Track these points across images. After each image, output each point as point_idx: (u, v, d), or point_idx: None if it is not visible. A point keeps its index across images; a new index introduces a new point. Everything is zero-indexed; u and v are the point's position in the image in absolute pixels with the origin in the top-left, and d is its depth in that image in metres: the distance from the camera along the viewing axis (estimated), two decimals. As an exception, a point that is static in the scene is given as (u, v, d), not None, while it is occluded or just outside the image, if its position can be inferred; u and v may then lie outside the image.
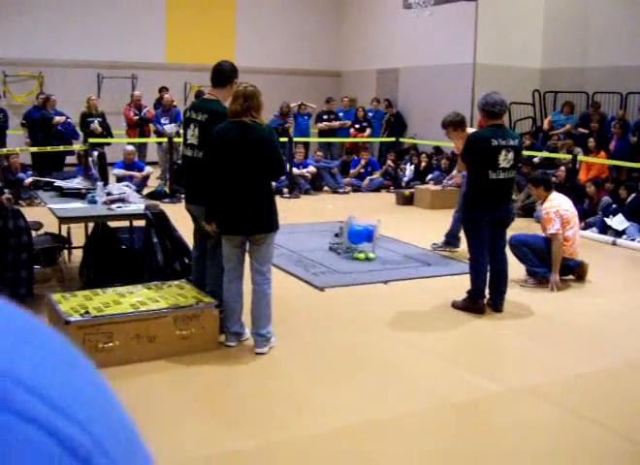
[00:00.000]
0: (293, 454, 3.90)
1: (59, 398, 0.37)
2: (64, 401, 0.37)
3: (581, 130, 13.59)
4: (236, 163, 5.07)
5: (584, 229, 9.98)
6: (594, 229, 10.04)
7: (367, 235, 8.29)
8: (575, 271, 7.49)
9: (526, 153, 10.77)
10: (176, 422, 4.21)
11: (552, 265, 7.12)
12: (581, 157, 11.91)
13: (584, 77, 14.86)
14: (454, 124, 8.02)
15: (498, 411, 4.60)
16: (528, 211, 11.07)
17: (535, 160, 12.81)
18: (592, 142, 12.22)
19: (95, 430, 0.38)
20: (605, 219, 9.98)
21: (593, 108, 13.65)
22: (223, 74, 5.56)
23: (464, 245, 8.94)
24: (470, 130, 8.61)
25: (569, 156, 11.87)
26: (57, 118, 13.31)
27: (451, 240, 8.86)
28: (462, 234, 8.88)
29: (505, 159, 6.20)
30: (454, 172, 10.06)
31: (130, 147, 12.99)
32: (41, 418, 0.36)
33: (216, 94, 5.58)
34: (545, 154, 12.94)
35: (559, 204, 7.29)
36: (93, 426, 0.38)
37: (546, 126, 14.40)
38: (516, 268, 7.08)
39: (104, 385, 0.43)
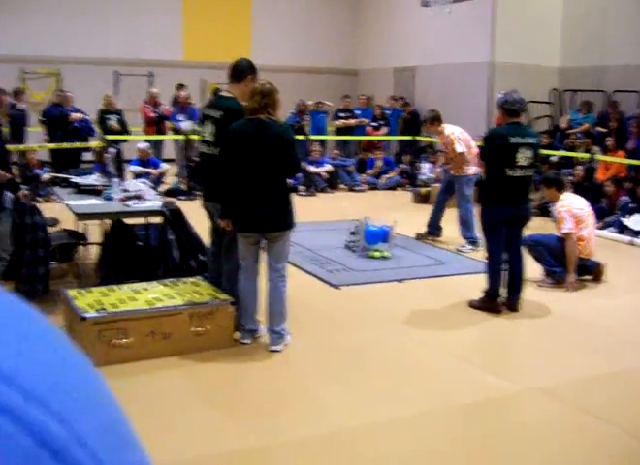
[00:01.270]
0: (304, 453, 3.89)
1: (36, 388, 0.36)
2: (41, 391, 0.36)
3: (599, 129, 13.48)
4: (252, 160, 5.06)
5: (601, 228, 9.91)
6: (612, 228, 9.97)
7: (382, 236, 8.27)
8: (592, 272, 7.44)
9: (543, 152, 10.70)
10: (187, 419, 4.21)
11: (567, 265, 7.07)
12: (599, 156, 11.83)
13: (602, 75, 14.75)
14: (430, 119, 9.20)
15: (514, 410, 4.57)
16: (545, 210, 11.00)
17: (553, 159, 12.74)
18: (610, 141, 12.12)
19: (74, 421, 0.36)
20: (622, 219, 9.90)
21: (612, 107, 13.54)
22: (239, 70, 5.55)
23: (447, 232, 9.30)
24: (444, 126, 9.10)
25: (587, 155, 11.80)
26: (74, 115, 13.35)
27: (433, 230, 9.41)
28: (442, 223, 9.36)
29: (523, 156, 6.16)
30: (437, 169, 10.33)
31: (143, 145, 13.00)
32: (14, 407, 0.34)
33: (233, 91, 5.58)
34: (563, 153, 12.86)
35: (570, 204, 7.25)
36: (72, 417, 0.36)
37: (564, 125, 14.30)
38: (533, 268, 7.04)
39: (91, 374, 0.42)
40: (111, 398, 0.42)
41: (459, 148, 8.87)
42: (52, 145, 12.85)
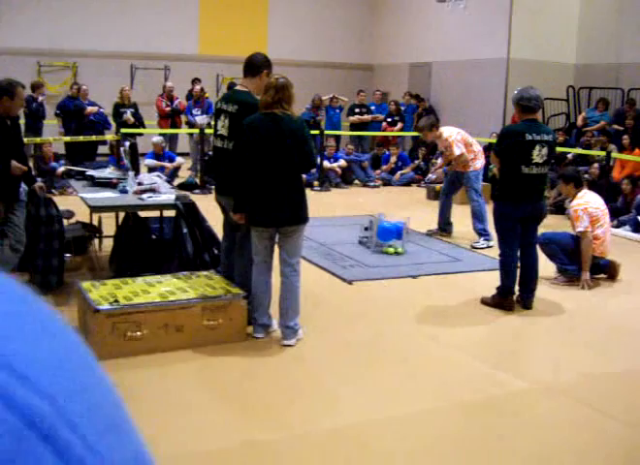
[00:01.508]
0: (316, 447, 3.90)
1: (25, 367, 0.36)
2: (30, 371, 0.36)
3: (615, 127, 13.42)
4: (266, 154, 5.06)
5: (616, 227, 9.86)
6: (627, 227, 9.91)
7: (396, 232, 8.26)
8: (606, 270, 7.40)
9: (559, 150, 10.65)
10: (199, 412, 4.23)
11: (582, 264, 7.04)
12: (615, 154, 11.76)
13: (619, 73, 14.67)
14: (429, 126, 9.09)
15: (525, 408, 4.55)
16: (560, 208, 10.95)
17: (569, 157, 12.68)
18: (626, 139, 12.06)
19: (63, 402, 0.36)
20: (639, 217, 9.84)
21: (628, 105, 13.47)
22: (254, 65, 5.55)
23: (459, 228, 9.33)
24: (441, 130, 9.11)
25: (603, 153, 11.74)
26: (90, 108, 13.41)
27: (444, 227, 9.45)
28: (454, 220, 9.43)
29: (539, 154, 6.13)
30: (438, 170, 10.39)
31: (157, 138, 13.03)
32: (1, 388, 0.34)
33: (247, 85, 5.58)
34: (578, 151, 12.79)
35: (587, 202, 7.19)
36: (61, 398, 0.36)
37: (580, 122, 14.24)
38: (546, 266, 7.01)
39: (84, 356, 0.41)
40: (104, 381, 0.41)
41: (457, 151, 8.94)
42: (68, 138, 12.91)
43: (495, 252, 6.71)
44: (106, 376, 0.42)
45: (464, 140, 9.08)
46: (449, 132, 9.13)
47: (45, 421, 0.35)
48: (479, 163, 9.16)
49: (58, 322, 0.41)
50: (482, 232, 8.90)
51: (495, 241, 8.52)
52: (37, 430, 0.34)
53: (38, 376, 0.36)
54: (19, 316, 0.39)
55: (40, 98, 13.57)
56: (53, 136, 13.41)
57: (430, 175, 9.51)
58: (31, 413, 0.35)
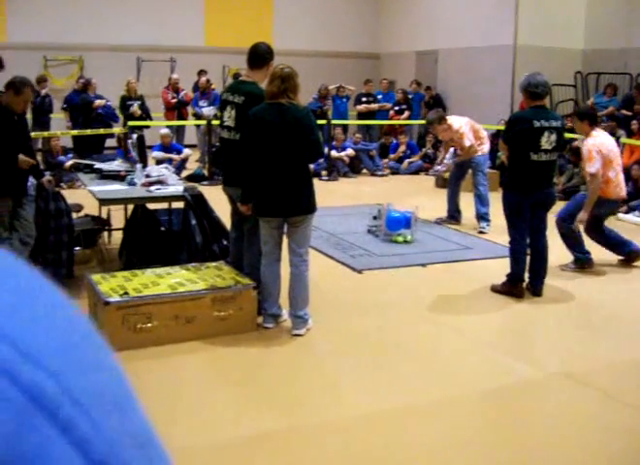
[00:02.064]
0: (325, 437, 3.90)
1: (29, 343, 0.35)
2: (34, 346, 0.36)
3: (624, 112, 13.34)
4: (273, 145, 5.05)
5: (626, 212, 9.83)
6: (637, 212, 9.87)
7: (405, 222, 8.25)
8: (627, 253, 7.31)
9: (567, 136, 10.60)
10: (211, 402, 4.24)
11: (585, 204, 6.77)
12: (624, 139, 11.70)
13: (627, 58, 14.57)
14: (438, 120, 9.08)
15: (536, 396, 4.55)
16: (569, 194, 10.89)
17: (576, 143, 12.61)
18: (635, 125, 11.99)
19: (67, 379, 0.36)
20: (648, 202, 9.80)
21: (637, 90, 13.38)
22: (259, 55, 5.54)
23: (468, 216, 9.34)
24: (450, 121, 9.14)
25: (612, 138, 11.66)
26: (97, 102, 13.42)
27: (454, 214, 9.46)
28: (462, 209, 9.44)
29: (548, 140, 6.10)
30: (446, 160, 10.25)
31: (165, 130, 13.04)
32: (5, 364, 0.34)
33: (253, 76, 5.57)
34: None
35: (601, 143, 6.90)
36: (66, 375, 0.36)
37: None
38: (556, 252, 6.97)
39: (91, 335, 0.41)
40: (110, 361, 0.41)
41: (467, 143, 9.02)
42: (75, 132, 12.92)
43: (504, 239, 6.68)
44: (113, 355, 0.42)
45: (472, 129, 9.13)
46: (459, 123, 9.15)
47: (49, 398, 0.35)
48: (486, 147, 9.34)
49: (62, 298, 0.41)
50: (485, 217, 9.01)
51: (491, 227, 8.59)
52: (41, 407, 0.34)
53: (42, 352, 0.36)
54: (23, 291, 0.39)
55: (42, 91, 13.55)
56: (61, 129, 13.42)
57: (438, 167, 9.42)
58: (35, 389, 0.34)
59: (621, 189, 7.12)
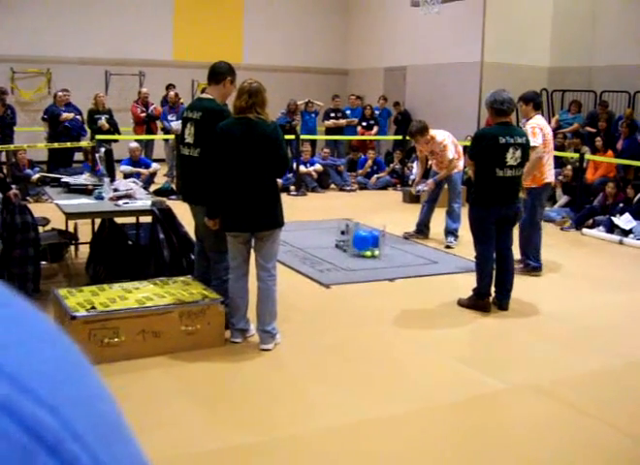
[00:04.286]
0: (295, 451, 3.91)
1: (27, 378, 0.35)
2: (33, 381, 0.35)
3: (588, 129, 13.55)
4: (240, 159, 5.07)
5: (591, 227, 9.97)
6: (602, 227, 10.01)
7: (372, 241, 8.26)
8: (526, 264, 7.60)
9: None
10: (179, 417, 4.22)
11: (524, 174, 6.83)
12: (588, 156, 11.87)
13: (592, 75, 14.82)
14: (420, 131, 8.98)
15: (503, 408, 4.59)
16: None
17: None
18: (599, 141, 12.17)
19: (67, 413, 0.36)
20: (612, 218, 9.95)
21: (601, 107, 13.61)
22: (217, 72, 5.62)
23: (436, 230, 9.36)
24: (433, 133, 9.08)
25: (576, 155, 11.84)
26: (65, 115, 13.32)
27: (422, 229, 9.44)
28: (432, 224, 9.42)
29: (513, 157, 6.19)
30: (429, 180, 10.09)
31: (134, 144, 13.01)
32: (5, 400, 0.33)
33: (211, 92, 5.65)
34: (552, 152, 12.87)
35: (544, 125, 7.58)
36: (65, 409, 0.36)
37: (553, 125, 14.35)
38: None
39: (83, 364, 0.41)
40: (103, 389, 0.41)
41: (450, 155, 9.02)
42: (42, 145, 12.82)
43: (471, 254, 6.75)
44: (104, 383, 0.42)
45: (453, 143, 9.17)
46: (442, 135, 9.15)
47: (51, 434, 0.34)
48: (461, 163, 9.31)
49: (54, 328, 0.41)
50: (454, 232, 9.06)
51: (458, 242, 8.68)
52: (43, 444, 0.34)
53: (41, 387, 0.35)
54: (16, 323, 0.38)
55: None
56: (27, 142, 13.31)
57: (420, 187, 9.26)
58: (37, 426, 0.34)
59: (552, 173, 7.73)
